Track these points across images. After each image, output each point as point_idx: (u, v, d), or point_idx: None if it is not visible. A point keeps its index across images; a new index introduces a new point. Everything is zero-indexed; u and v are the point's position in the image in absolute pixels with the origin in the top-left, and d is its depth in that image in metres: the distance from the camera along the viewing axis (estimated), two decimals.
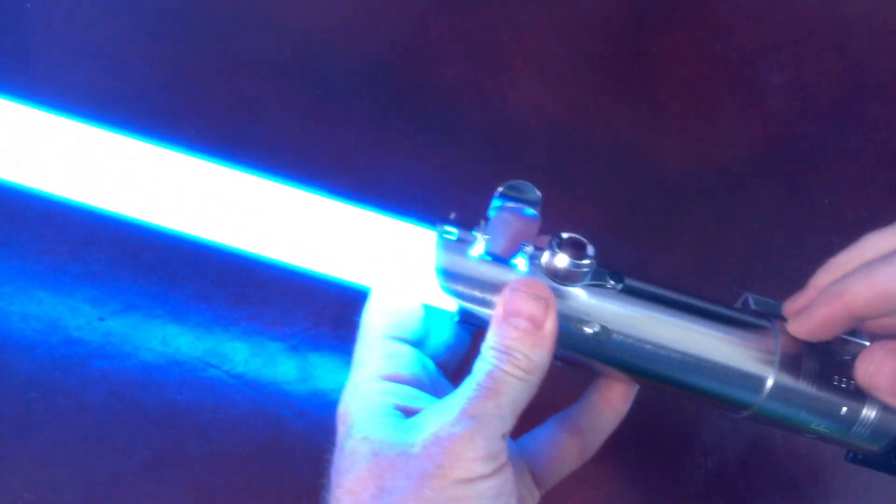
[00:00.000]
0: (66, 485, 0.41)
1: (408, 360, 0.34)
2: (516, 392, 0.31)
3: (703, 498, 0.47)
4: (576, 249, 0.33)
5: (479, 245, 0.33)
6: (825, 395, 0.33)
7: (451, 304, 0.34)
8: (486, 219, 0.33)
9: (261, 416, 0.44)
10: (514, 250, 0.33)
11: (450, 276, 0.33)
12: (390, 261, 0.35)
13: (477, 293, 0.33)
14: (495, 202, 0.32)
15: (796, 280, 0.36)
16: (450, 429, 0.29)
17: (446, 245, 0.34)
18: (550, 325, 0.31)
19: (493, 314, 0.32)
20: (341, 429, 0.32)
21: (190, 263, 0.46)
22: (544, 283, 0.32)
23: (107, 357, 0.43)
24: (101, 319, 0.44)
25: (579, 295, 0.33)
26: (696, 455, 0.47)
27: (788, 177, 0.56)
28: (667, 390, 0.35)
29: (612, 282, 0.33)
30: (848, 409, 0.33)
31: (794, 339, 0.34)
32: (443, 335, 0.38)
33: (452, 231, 0.34)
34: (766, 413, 0.34)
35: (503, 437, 0.31)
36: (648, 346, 0.33)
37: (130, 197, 0.34)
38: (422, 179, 0.51)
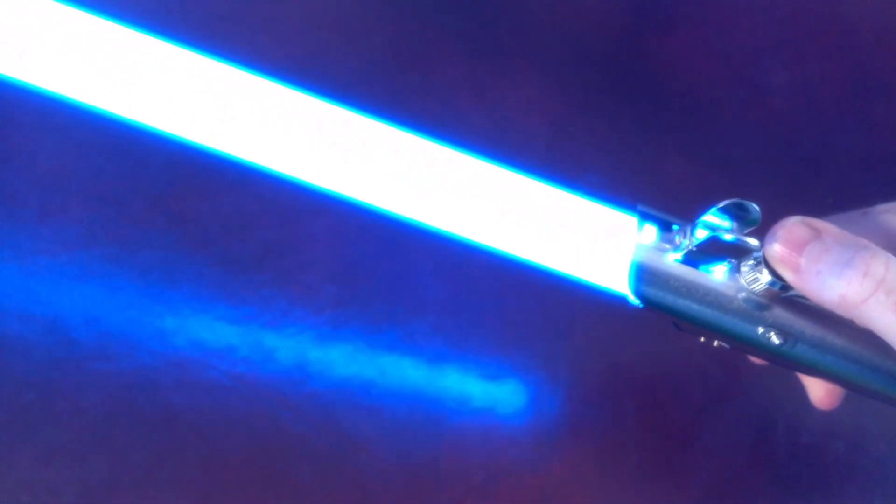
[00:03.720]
0: (64, 487, 0.40)
1: None
2: None
3: (704, 499, 0.47)
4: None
5: (678, 252, 0.33)
6: None
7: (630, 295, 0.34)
8: (694, 225, 0.33)
9: (260, 418, 0.44)
10: (715, 261, 0.33)
11: (646, 275, 0.33)
12: (574, 241, 0.35)
13: (671, 296, 0.33)
14: (713, 214, 0.33)
15: None
16: None
17: (647, 236, 0.34)
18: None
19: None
20: None
21: (188, 263, 0.46)
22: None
23: (104, 359, 0.43)
24: (99, 320, 0.44)
25: (772, 305, 0.33)
26: (697, 456, 0.47)
27: (789, 176, 0.56)
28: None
29: (794, 292, 0.33)
30: None
31: None
32: None
33: (651, 223, 0.35)
34: None
35: None
36: (833, 352, 0.33)
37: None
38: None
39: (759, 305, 0.33)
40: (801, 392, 0.41)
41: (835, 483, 0.48)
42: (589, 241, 0.34)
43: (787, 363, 0.34)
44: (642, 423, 0.47)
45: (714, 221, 0.33)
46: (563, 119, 0.55)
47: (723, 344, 0.35)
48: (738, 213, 0.33)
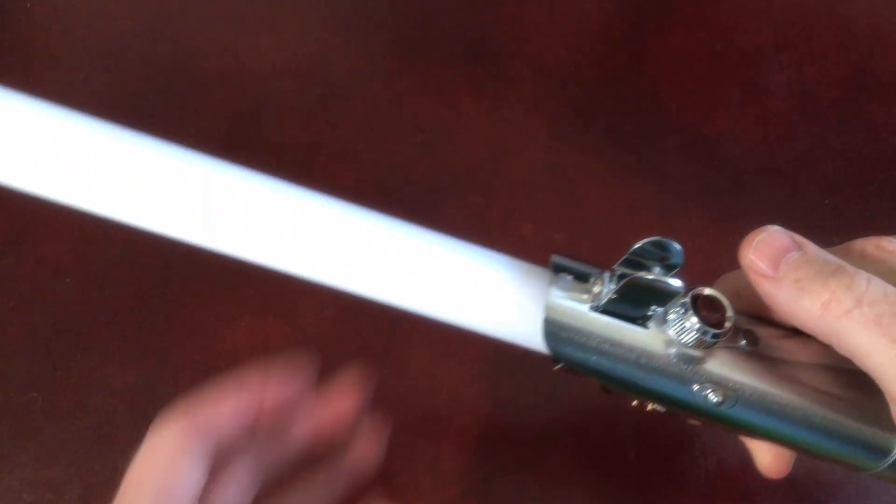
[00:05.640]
0: (66, 485, 0.41)
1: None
2: None
3: (704, 498, 0.47)
4: (711, 311, 0.29)
5: (598, 299, 0.29)
6: None
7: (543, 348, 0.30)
8: (612, 271, 0.29)
9: None
10: (643, 311, 0.29)
11: (558, 332, 0.29)
12: (481, 295, 0.30)
13: (589, 355, 0.29)
14: (631, 255, 0.29)
15: None
16: None
17: (561, 288, 0.29)
18: None
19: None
20: None
21: (189, 264, 0.46)
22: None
23: (107, 358, 0.43)
24: (102, 320, 0.44)
25: (707, 359, 0.29)
26: (696, 455, 0.47)
27: (788, 177, 0.56)
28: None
29: (744, 342, 0.30)
30: None
31: None
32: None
33: (565, 272, 0.30)
34: (890, 475, 0.31)
35: None
36: (777, 411, 0.29)
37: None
38: (423, 179, 0.51)
39: (692, 359, 0.29)
40: None
41: (835, 482, 0.48)
42: (498, 297, 0.29)
43: (729, 424, 0.30)
44: (641, 423, 0.47)
45: (633, 263, 0.29)
46: (563, 119, 0.55)
47: (656, 407, 0.30)
48: (658, 253, 0.29)
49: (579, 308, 0.29)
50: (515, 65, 0.56)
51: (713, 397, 0.29)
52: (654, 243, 0.28)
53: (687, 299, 0.28)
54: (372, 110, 0.53)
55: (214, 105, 0.51)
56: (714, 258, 0.53)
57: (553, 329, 0.28)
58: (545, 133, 0.54)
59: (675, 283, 0.27)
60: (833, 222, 0.55)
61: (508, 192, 0.52)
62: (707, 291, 0.29)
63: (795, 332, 0.31)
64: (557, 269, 0.30)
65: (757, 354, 0.30)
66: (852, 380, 0.30)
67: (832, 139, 0.58)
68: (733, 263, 0.53)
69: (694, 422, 0.33)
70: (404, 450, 0.45)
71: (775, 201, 0.55)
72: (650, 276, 0.27)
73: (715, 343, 0.28)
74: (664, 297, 0.28)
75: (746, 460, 0.48)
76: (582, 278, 0.29)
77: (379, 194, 0.50)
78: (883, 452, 0.30)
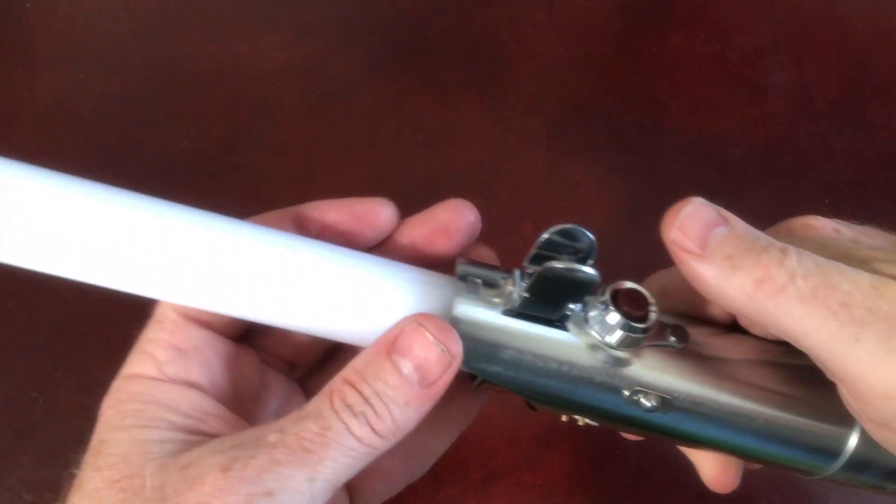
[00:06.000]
0: (66, 485, 0.41)
1: (216, 357, 0.25)
2: (350, 462, 0.22)
3: (703, 498, 0.47)
4: (634, 306, 0.26)
5: (511, 301, 0.26)
6: None
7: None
8: (524, 269, 0.26)
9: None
10: (559, 311, 0.26)
11: (467, 343, 0.25)
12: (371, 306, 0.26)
13: (504, 367, 0.26)
14: (540, 249, 0.26)
15: None
16: (223, 501, 0.21)
17: (468, 293, 0.26)
18: (440, 387, 0.24)
19: (374, 342, 0.24)
20: (94, 439, 0.24)
21: None
22: (457, 337, 0.24)
23: (108, 358, 0.43)
24: (102, 320, 0.44)
25: (635, 359, 0.26)
26: None
27: (788, 176, 0.56)
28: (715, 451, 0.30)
29: (673, 339, 0.27)
30: None
31: None
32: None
33: (473, 278, 0.27)
34: (846, 475, 0.29)
35: None
36: (715, 415, 0.27)
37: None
38: (422, 179, 0.51)
39: (618, 361, 0.26)
40: None
41: (834, 483, 0.48)
42: (395, 313, 0.25)
43: (667, 433, 0.27)
44: None
45: (544, 259, 0.26)
46: (563, 119, 0.55)
47: (588, 421, 0.27)
48: (569, 245, 0.26)
49: (490, 314, 0.26)
50: (515, 65, 0.56)
51: (645, 402, 0.26)
52: (562, 232, 0.26)
53: (606, 295, 0.26)
54: (372, 110, 0.53)
55: (214, 105, 0.51)
56: None
57: (462, 341, 0.25)
58: (545, 133, 0.54)
59: (589, 270, 0.25)
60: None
61: (508, 192, 0.52)
62: (627, 285, 0.27)
63: (728, 329, 0.29)
64: (463, 276, 0.27)
65: (689, 353, 0.27)
66: (793, 375, 0.28)
67: (832, 139, 0.58)
68: None
69: (630, 436, 0.30)
70: None
71: (775, 201, 0.55)
72: (561, 265, 0.25)
73: (641, 340, 0.26)
74: (579, 287, 0.25)
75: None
76: (492, 283, 0.27)
77: (379, 194, 0.50)
78: (833, 453, 0.28)
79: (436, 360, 0.23)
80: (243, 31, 0.53)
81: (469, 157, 0.52)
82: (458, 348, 0.24)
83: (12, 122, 0.50)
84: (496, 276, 0.27)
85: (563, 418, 0.27)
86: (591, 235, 0.26)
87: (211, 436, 0.23)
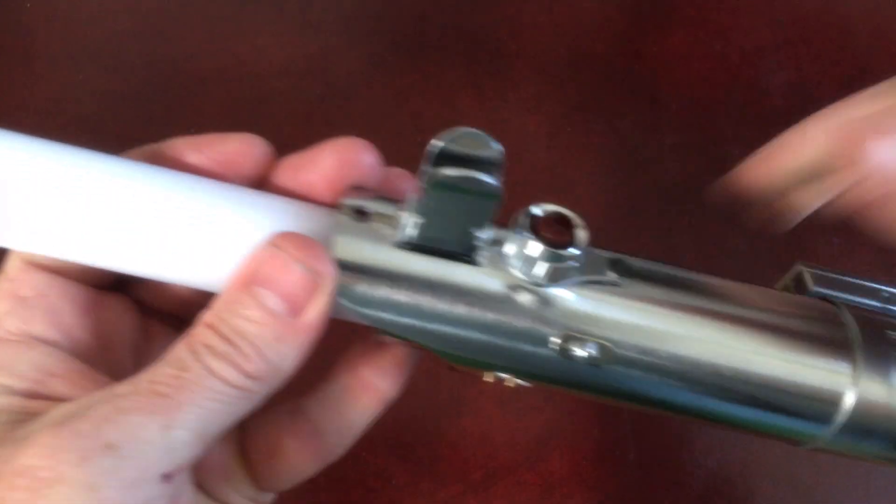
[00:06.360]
0: None
1: (70, 305, 0.21)
2: (220, 407, 0.19)
3: (704, 498, 0.47)
4: (559, 232, 0.22)
5: (404, 232, 0.22)
6: None
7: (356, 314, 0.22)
8: (419, 190, 0.21)
9: None
10: (464, 239, 0.22)
11: (357, 279, 0.21)
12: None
13: (406, 305, 0.21)
14: (432, 165, 0.21)
15: None
16: (55, 461, 0.17)
17: (351, 226, 0.22)
18: (314, 315, 0.20)
19: (232, 277, 0.20)
20: None
21: None
22: (323, 249, 0.21)
23: None
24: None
25: (565, 298, 0.22)
26: (696, 454, 0.47)
27: None
28: (686, 418, 0.25)
29: (612, 275, 0.23)
30: None
31: (879, 330, 0.23)
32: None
33: (364, 208, 0.22)
34: (838, 445, 0.23)
35: (165, 477, 0.19)
36: (670, 366, 0.22)
37: None
38: None
39: (545, 301, 0.22)
40: None
41: (835, 482, 0.48)
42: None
43: (610, 389, 0.22)
44: (641, 423, 0.47)
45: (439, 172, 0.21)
46: (563, 119, 0.55)
47: (520, 382, 0.23)
48: (469, 155, 0.21)
49: (379, 248, 0.21)
50: (515, 65, 0.56)
51: (580, 352, 0.22)
52: (461, 139, 0.21)
53: (523, 222, 0.22)
54: (372, 110, 0.53)
55: (214, 105, 0.51)
56: (714, 258, 0.53)
57: (347, 282, 0.21)
58: (545, 133, 0.54)
59: (488, 178, 0.21)
60: (834, 222, 0.55)
61: (508, 192, 0.52)
62: (548, 207, 0.23)
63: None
64: (351, 209, 0.22)
65: (635, 292, 0.23)
66: (770, 330, 0.23)
67: None
68: (733, 264, 0.53)
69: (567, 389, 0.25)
70: (404, 450, 0.45)
71: None
72: (453, 171, 0.20)
73: (571, 273, 0.22)
74: (479, 201, 0.21)
75: (747, 461, 0.48)
76: (385, 213, 0.22)
77: None
78: (824, 416, 0.23)
79: (299, 282, 0.20)
80: (243, 31, 0.53)
81: None
82: (324, 266, 0.20)
83: (11, 122, 0.50)
84: (391, 205, 0.22)
85: (488, 378, 0.23)
86: (497, 145, 0.21)
87: (58, 400, 0.20)
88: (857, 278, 0.25)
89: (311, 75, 0.53)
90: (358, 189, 0.24)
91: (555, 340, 0.22)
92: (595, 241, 0.23)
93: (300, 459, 0.24)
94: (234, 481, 0.24)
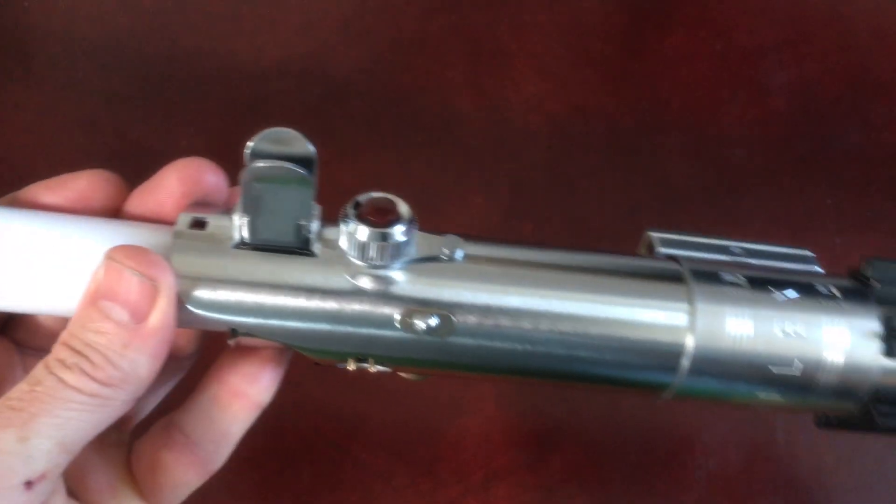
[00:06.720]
0: None
1: None
2: (78, 415, 0.20)
3: (705, 499, 0.47)
4: (383, 214, 0.23)
5: (241, 232, 0.23)
6: (764, 352, 0.24)
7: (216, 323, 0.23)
8: (242, 189, 0.23)
9: (260, 417, 0.44)
10: (295, 232, 0.23)
11: (200, 280, 0.23)
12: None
13: (244, 299, 0.23)
14: (248, 165, 0.22)
15: None
16: None
17: (190, 236, 0.23)
18: (158, 320, 0.22)
19: (81, 297, 0.22)
20: None
21: None
22: (156, 257, 0.22)
23: None
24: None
25: (401, 277, 0.23)
26: (697, 456, 0.47)
27: (790, 176, 0.56)
28: (539, 382, 0.26)
29: (445, 251, 0.24)
30: (803, 363, 0.24)
31: (713, 275, 0.25)
32: None
33: (201, 219, 0.24)
34: (691, 390, 0.25)
35: (28, 485, 0.20)
36: (512, 327, 0.23)
37: None
38: (422, 179, 0.51)
39: (381, 281, 0.23)
40: None
41: (835, 483, 0.48)
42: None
43: (457, 361, 0.24)
44: (641, 423, 0.47)
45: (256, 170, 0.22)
46: (563, 119, 0.55)
47: (380, 368, 0.24)
48: (280, 152, 0.22)
49: (216, 253, 0.23)
50: (515, 65, 0.56)
51: (421, 323, 0.23)
52: (269, 138, 0.22)
53: (349, 210, 0.23)
54: (372, 110, 0.53)
55: (213, 104, 0.51)
56: None
57: (189, 288, 0.22)
58: (545, 133, 0.54)
59: (296, 167, 0.22)
60: (835, 222, 0.55)
61: (508, 192, 0.52)
62: (373, 194, 0.24)
63: None
64: (186, 222, 0.24)
65: (471, 265, 0.24)
66: (620, 263, 0.25)
67: (833, 138, 0.58)
68: None
69: (409, 375, 0.26)
70: (404, 450, 0.45)
71: (776, 201, 0.55)
72: (262, 163, 0.22)
73: (401, 250, 0.23)
74: (295, 188, 0.22)
75: (747, 461, 0.48)
76: (220, 223, 0.24)
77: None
78: (673, 350, 0.24)
79: (138, 290, 0.21)
80: (243, 30, 0.53)
81: (469, 157, 0.52)
82: (160, 272, 0.22)
83: (11, 122, 0.50)
84: (225, 215, 0.24)
85: (350, 367, 0.24)
86: (311, 146, 0.23)
87: None
88: (703, 237, 0.27)
89: (310, 75, 0.53)
90: (200, 205, 0.25)
91: (397, 317, 0.23)
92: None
93: (180, 471, 0.26)
94: (122, 499, 0.25)
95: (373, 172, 0.51)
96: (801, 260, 0.27)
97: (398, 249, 0.23)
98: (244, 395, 0.26)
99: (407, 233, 0.23)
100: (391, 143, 0.52)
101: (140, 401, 0.24)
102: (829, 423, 0.27)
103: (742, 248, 0.27)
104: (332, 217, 0.24)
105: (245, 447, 0.43)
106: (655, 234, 0.27)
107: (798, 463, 0.48)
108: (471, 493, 0.45)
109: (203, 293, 0.22)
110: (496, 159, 0.53)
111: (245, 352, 0.25)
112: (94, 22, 0.52)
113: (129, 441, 0.26)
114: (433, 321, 0.23)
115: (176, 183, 0.25)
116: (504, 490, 0.45)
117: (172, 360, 0.25)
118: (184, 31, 0.53)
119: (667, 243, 0.27)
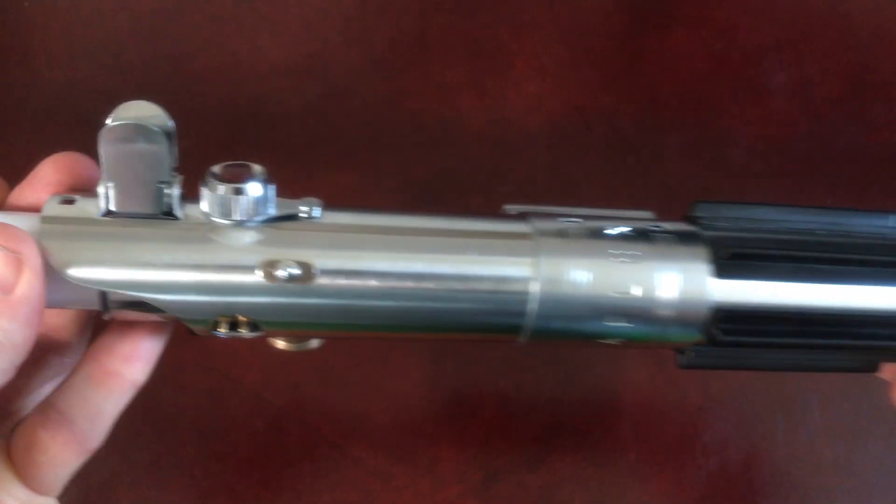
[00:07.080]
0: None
1: None
2: None
3: (705, 499, 0.47)
4: (238, 174, 0.24)
5: (103, 201, 0.24)
6: (605, 282, 0.26)
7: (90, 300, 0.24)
8: (102, 155, 0.24)
9: (260, 418, 0.44)
10: (157, 197, 0.24)
11: (68, 252, 0.24)
12: None
13: (112, 266, 0.24)
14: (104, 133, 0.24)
15: None
16: None
17: (58, 211, 0.24)
18: (24, 289, 0.23)
19: None
20: None
21: None
22: (20, 231, 0.23)
23: None
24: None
25: (262, 230, 0.24)
26: (697, 455, 0.47)
27: (790, 176, 0.56)
28: (410, 336, 0.27)
29: (304, 209, 0.25)
30: (642, 286, 0.26)
31: (557, 226, 0.27)
32: None
33: (70, 198, 0.25)
34: (544, 332, 0.26)
35: None
36: (370, 282, 0.24)
37: None
38: (423, 179, 0.51)
39: (241, 236, 0.24)
40: (801, 391, 0.41)
41: (835, 483, 0.48)
42: None
43: (321, 315, 0.25)
44: (641, 423, 0.47)
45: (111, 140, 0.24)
46: (563, 119, 0.55)
47: (252, 333, 0.25)
48: (137, 117, 0.24)
49: (83, 223, 0.24)
50: (515, 65, 0.56)
51: (282, 272, 0.24)
52: (127, 108, 0.24)
53: (210, 175, 0.24)
54: (372, 110, 0.53)
55: (213, 105, 0.51)
56: None
57: (58, 262, 0.23)
58: (545, 133, 0.54)
59: (148, 124, 0.23)
60: None
61: (508, 192, 0.52)
62: (228, 162, 0.25)
63: None
64: (55, 201, 0.25)
65: (332, 223, 0.25)
66: (473, 222, 0.27)
67: (834, 138, 0.58)
68: None
69: (283, 343, 0.27)
70: (404, 450, 0.45)
71: (777, 201, 0.55)
72: (116, 123, 0.23)
73: (260, 208, 0.24)
74: (150, 146, 0.23)
75: (748, 461, 0.48)
76: (88, 197, 0.25)
77: (378, 194, 0.50)
78: (521, 297, 0.25)
79: (2, 263, 0.22)
80: (243, 30, 0.53)
81: (469, 157, 0.52)
82: (23, 245, 0.23)
83: (10, 122, 0.50)
84: (94, 194, 0.25)
85: (222, 331, 0.25)
86: (170, 121, 0.24)
87: None
88: (554, 207, 0.29)
89: (310, 75, 0.53)
90: (73, 189, 0.26)
91: (259, 269, 0.24)
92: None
93: (56, 449, 0.27)
94: (4, 484, 0.26)
95: (373, 173, 0.51)
96: (642, 219, 0.30)
97: (255, 206, 0.24)
98: (118, 375, 0.27)
99: (263, 188, 0.24)
100: (391, 143, 0.52)
101: (22, 398, 0.26)
102: (690, 363, 0.29)
103: (589, 214, 0.29)
104: None
105: (245, 447, 0.43)
106: (511, 207, 0.29)
107: (798, 463, 0.48)
108: (471, 492, 0.45)
109: (70, 265, 0.23)
110: (496, 159, 0.53)
111: (121, 332, 0.27)
112: (94, 22, 0.52)
113: (8, 436, 0.27)
114: (294, 269, 0.24)
115: (52, 173, 0.26)
116: (504, 490, 0.45)
117: (55, 355, 0.27)
118: (185, 32, 0.53)
119: (521, 213, 0.29)
